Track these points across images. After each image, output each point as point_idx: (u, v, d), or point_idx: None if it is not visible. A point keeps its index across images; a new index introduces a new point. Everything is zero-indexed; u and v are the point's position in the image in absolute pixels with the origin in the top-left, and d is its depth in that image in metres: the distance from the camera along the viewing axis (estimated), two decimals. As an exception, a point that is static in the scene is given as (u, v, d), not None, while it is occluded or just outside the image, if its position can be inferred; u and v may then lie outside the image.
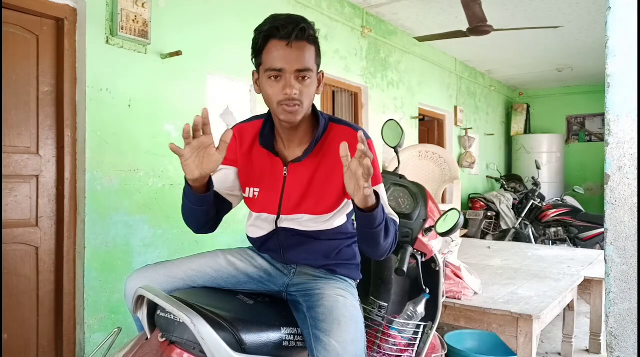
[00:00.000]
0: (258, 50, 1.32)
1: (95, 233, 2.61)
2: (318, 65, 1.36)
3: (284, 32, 1.25)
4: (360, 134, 1.13)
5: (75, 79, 2.59)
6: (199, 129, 1.18)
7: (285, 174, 1.39)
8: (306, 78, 1.30)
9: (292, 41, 1.26)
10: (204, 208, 1.34)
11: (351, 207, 1.47)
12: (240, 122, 1.51)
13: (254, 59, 1.35)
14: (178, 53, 2.91)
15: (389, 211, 1.36)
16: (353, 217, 1.53)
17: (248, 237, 1.54)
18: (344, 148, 1.14)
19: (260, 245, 1.50)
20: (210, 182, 1.30)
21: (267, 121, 1.42)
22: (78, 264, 2.59)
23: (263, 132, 1.42)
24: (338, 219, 1.43)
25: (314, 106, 1.41)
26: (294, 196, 1.38)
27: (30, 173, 2.48)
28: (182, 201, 1.36)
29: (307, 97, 1.31)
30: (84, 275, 2.56)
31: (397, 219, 1.38)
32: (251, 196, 1.43)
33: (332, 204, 1.39)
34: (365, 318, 1.44)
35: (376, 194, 1.23)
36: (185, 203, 1.35)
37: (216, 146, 1.22)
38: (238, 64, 3.38)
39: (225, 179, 1.44)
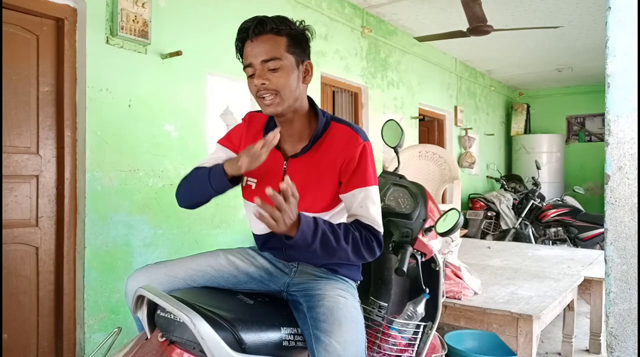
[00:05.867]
0: (241, 56, 1.40)
1: (95, 233, 2.61)
2: (296, 54, 1.36)
3: (246, 31, 1.34)
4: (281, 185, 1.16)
5: (75, 79, 2.59)
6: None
7: (285, 168, 1.42)
8: (276, 68, 1.32)
9: (252, 37, 1.33)
10: (215, 194, 1.40)
11: None
12: (254, 111, 1.57)
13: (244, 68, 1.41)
14: (178, 53, 2.91)
15: (369, 215, 1.34)
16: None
17: (253, 233, 1.56)
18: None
19: (263, 242, 1.52)
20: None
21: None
22: (78, 264, 2.59)
23: (268, 125, 1.47)
24: (339, 220, 1.44)
25: (313, 103, 1.44)
26: None
27: (30, 173, 2.48)
28: (189, 177, 1.44)
29: (283, 87, 1.32)
30: (84, 275, 2.56)
31: (373, 223, 1.35)
32: (245, 184, 1.47)
33: (329, 202, 1.40)
34: (365, 318, 1.44)
35: (314, 219, 1.26)
36: (197, 181, 1.42)
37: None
38: (238, 64, 3.34)
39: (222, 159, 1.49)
